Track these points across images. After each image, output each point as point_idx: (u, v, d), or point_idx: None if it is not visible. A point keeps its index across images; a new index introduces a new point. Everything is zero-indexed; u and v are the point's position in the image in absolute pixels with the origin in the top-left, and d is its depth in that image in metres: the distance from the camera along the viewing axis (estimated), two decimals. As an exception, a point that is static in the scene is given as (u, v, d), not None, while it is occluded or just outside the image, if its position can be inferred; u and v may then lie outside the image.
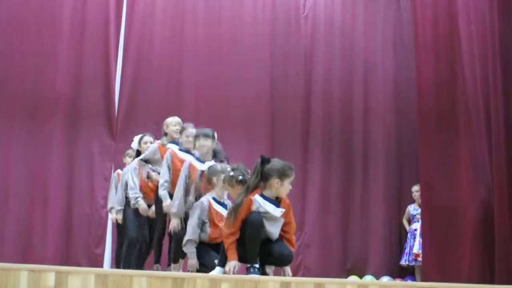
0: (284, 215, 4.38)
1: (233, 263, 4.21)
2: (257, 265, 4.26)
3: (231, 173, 4.72)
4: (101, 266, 7.78)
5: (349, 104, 9.38)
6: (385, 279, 8.29)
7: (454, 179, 6.60)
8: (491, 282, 6.04)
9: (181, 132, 5.82)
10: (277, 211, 4.33)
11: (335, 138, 9.24)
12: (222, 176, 4.92)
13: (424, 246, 6.91)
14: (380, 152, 9.35)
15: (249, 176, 4.58)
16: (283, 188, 4.37)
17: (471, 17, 6.80)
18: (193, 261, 4.91)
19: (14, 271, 3.17)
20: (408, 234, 8.62)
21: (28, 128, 7.88)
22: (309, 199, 8.97)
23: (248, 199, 4.29)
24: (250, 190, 4.35)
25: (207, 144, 5.40)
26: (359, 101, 9.41)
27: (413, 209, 8.69)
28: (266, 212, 4.29)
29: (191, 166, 5.40)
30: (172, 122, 6.05)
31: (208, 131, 5.47)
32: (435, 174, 6.77)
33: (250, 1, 9.10)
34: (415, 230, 8.38)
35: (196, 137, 5.48)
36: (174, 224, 5.31)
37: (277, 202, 4.38)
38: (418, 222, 8.26)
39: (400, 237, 9.06)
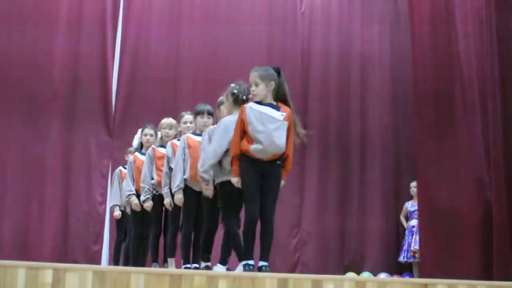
0: (287, 119, 4.44)
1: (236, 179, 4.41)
2: (252, 262, 4.28)
3: (232, 85, 4.83)
4: (98, 263, 7.77)
5: (346, 101, 9.38)
6: (383, 276, 8.29)
7: (452, 176, 6.61)
8: (489, 278, 6.05)
9: (178, 122, 5.84)
10: (275, 113, 4.41)
11: (332, 134, 9.24)
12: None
13: (422, 242, 6.92)
14: (377, 149, 9.35)
15: (245, 96, 4.72)
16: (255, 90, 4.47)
17: (468, 13, 6.80)
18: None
19: (11, 268, 3.16)
20: (406, 231, 8.63)
21: (25, 124, 7.87)
22: (306, 196, 8.97)
23: (240, 110, 4.47)
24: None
25: (201, 121, 5.46)
26: (356, 97, 9.41)
27: (410, 205, 8.69)
28: (263, 113, 4.38)
29: (188, 139, 5.42)
30: (163, 125, 6.02)
31: (201, 107, 5.53)
32: (432, 171, 6.77)
33: (247, -3, 9.10)
34: (413, 227, 8.38)
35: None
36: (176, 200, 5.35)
37: (275, 107, 4.46)
38: (416, 218, 8.26)
39: (398, 234, 9.07)
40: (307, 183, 9.01)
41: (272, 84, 4.47)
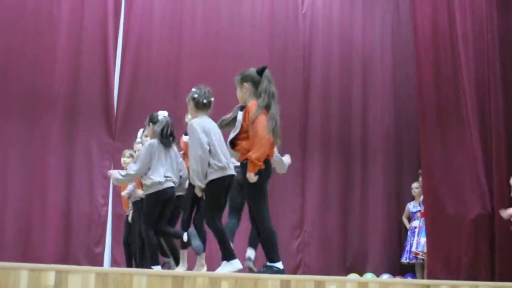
0: (242, 116, 4.49)
1: None
2: (280, 265, 4.24)
3: (193, 89, 4.99)
4: (101, 265, 7.76)
5: (347, 101, 9.37)
6: (385, 277, 8.28)
7: (456, 177, 6.61)
8: (492, 279, 6.05)
9: None
10: (240, 115, 4.53)
11: (334, 135, 9.23)
12: None
13: (427, 244, 6.94)
14: (379, 149, 9.34)
15: (206, 99, 4.89)
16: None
17: (469, 13, 6.81)
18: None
19: (14, 270, 3.16)
20: (408, 232, 8.61)
21: (27, 126, 7.85)
22: (308, 197, 8.96)
23: None
24: None
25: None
26: (357, 98, 9.40)
27: (412, 206, 8.68)
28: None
29: None
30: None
31: None
32: (437, 173, 6.78)
33: (248, -2, 9.10)
34: (415, 227, 8.37)
35: None
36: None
37: (243, 108, 4.55)
38: (418, 219, 8.25)
39: (400, 234, 9.06)
40: (308, 184, 9.00)
41: (246, 86, 4.52)
